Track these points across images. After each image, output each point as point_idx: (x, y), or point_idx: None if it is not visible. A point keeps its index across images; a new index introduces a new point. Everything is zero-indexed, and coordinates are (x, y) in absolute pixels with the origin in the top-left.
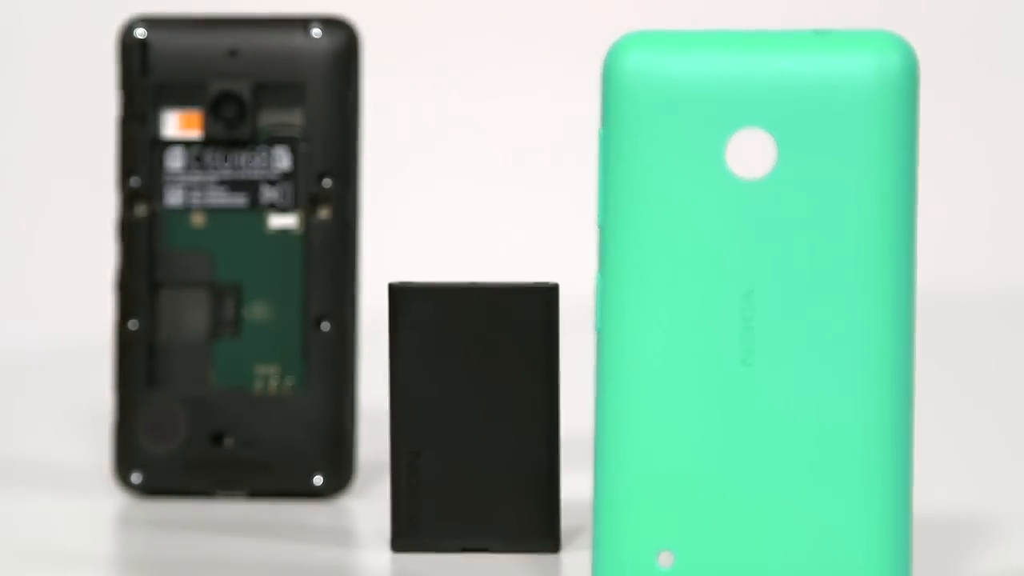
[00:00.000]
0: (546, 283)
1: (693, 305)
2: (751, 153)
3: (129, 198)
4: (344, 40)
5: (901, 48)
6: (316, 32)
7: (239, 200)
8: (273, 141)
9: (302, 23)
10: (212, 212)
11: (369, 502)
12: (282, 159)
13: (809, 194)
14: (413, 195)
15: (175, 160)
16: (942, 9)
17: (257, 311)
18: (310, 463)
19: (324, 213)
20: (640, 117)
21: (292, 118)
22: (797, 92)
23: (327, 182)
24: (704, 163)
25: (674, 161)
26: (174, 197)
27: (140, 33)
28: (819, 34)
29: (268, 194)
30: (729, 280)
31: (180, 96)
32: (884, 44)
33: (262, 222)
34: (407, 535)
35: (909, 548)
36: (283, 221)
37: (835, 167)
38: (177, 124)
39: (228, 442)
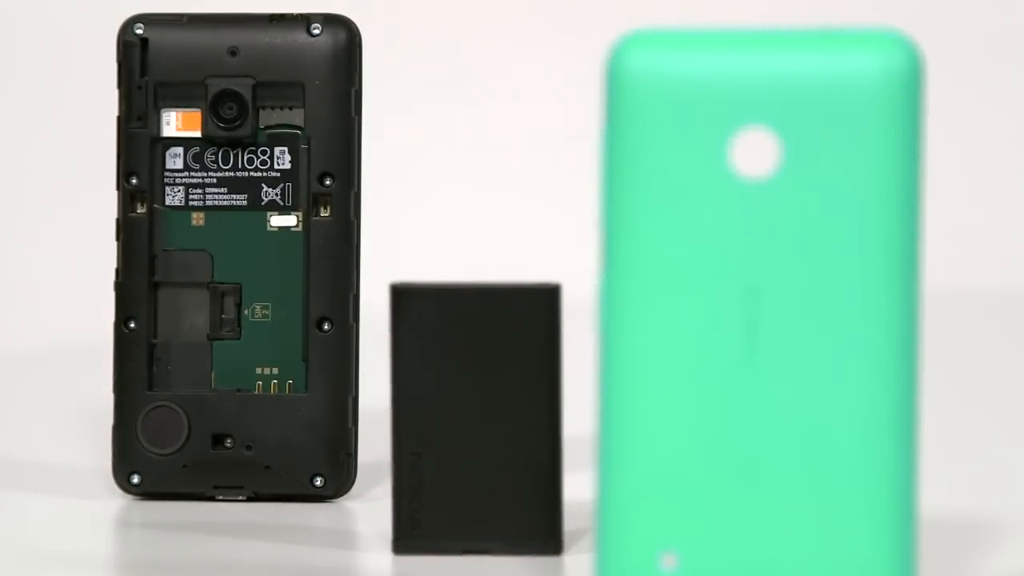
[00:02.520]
0: (548, 283)
1: (696, 305)
2: (755, 152)
3: (129, 198)
4: (345, 38)
5: (906, 47)
6: (317, 30)
7: (239, 200)
8: (273, 140)
9: (303, 21)
10: (212, 212)
11: (370, 504)
12: (283, 158)
13: (813, 194)
14: (415, 195)
15: (175, 160)
16: (945, 7)
17: (257, 311)
18: (311, 465)
19: (325, 213)
20: (643, 116)
21: (293, 117)
22: (802, 91)
23: (328, 182)
24: (707, 162)
25: (677, 160)
26: (174, 197)
27: (139, 31)
28: (824, 33)
29: (268, 194)
30: (732, 280)
31: (180, 95)
32: (889, 43)
33: (262, 222)
34: (408, 537)
35: (914, 550)
36: (284, 221)
37: (840, 166)
38: (177, 123)
39: (228, 443)
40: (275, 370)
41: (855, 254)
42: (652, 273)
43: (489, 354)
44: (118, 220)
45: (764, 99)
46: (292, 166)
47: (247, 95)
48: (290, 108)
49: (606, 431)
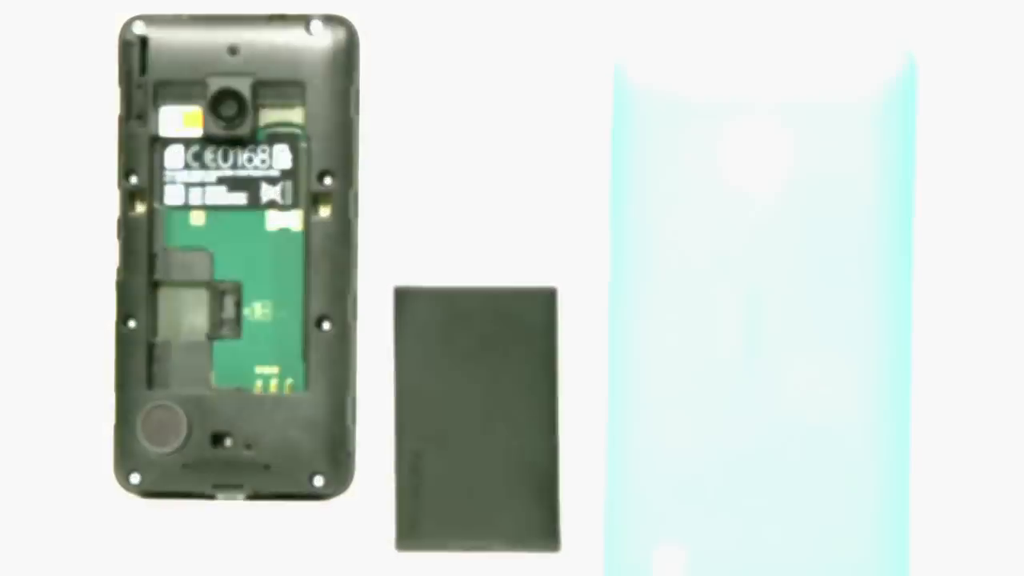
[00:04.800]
0: (545, 287)
1: (699, 310)
2: (755, 160)
3: (129, 196)
4: (344, 37)
5: (902, 56)
6: (316, 29)
7: (239, 198)
8: (273, 139)
9: (302, 20)
10: (212, 211)
11: (370, 503)
12: (282, 157)
13: (812, 200)
14: (414, 194)
15: (175, 158)
16: (943, 14)
17: (257, 311)
18: (310, 464)
19: (325, 212)
20: (648, 126)
21: (292, 116)
22: (800, 99)
23: (328, 180)
24: (709, 171)
25: (679, 169)
26: (174, 195)
27: (140, 30)
28: (822, 42)
29: (268, 192)
30: (734, 285)
31: (180, 94)
32: (885, 51)
33: (262, 221)
34: (409, 535)
35: (909, 550)
36: (283, 220)
37: (838, 173)
38: (177, 122)
39: (228, 443)
40: (275, 369)
41: (852, 259)
42: (656, 278)
43: (489, 355)
44: (118, 219)
45: (764, 108)
46: (292, 165)
47: (247, 93)
48: (290, 107)
49: (610, 432)
